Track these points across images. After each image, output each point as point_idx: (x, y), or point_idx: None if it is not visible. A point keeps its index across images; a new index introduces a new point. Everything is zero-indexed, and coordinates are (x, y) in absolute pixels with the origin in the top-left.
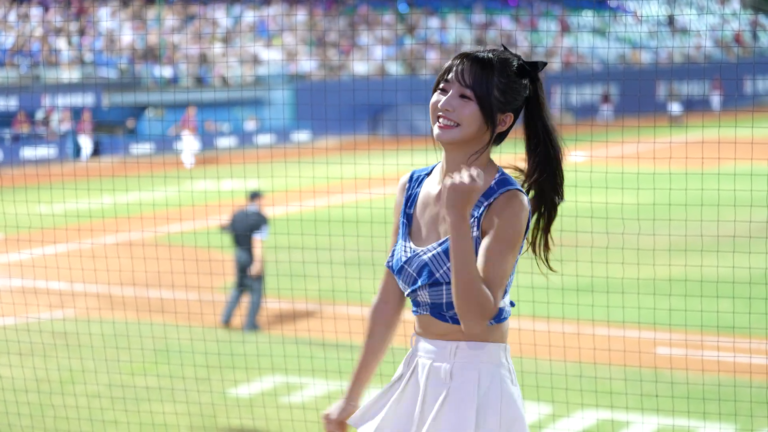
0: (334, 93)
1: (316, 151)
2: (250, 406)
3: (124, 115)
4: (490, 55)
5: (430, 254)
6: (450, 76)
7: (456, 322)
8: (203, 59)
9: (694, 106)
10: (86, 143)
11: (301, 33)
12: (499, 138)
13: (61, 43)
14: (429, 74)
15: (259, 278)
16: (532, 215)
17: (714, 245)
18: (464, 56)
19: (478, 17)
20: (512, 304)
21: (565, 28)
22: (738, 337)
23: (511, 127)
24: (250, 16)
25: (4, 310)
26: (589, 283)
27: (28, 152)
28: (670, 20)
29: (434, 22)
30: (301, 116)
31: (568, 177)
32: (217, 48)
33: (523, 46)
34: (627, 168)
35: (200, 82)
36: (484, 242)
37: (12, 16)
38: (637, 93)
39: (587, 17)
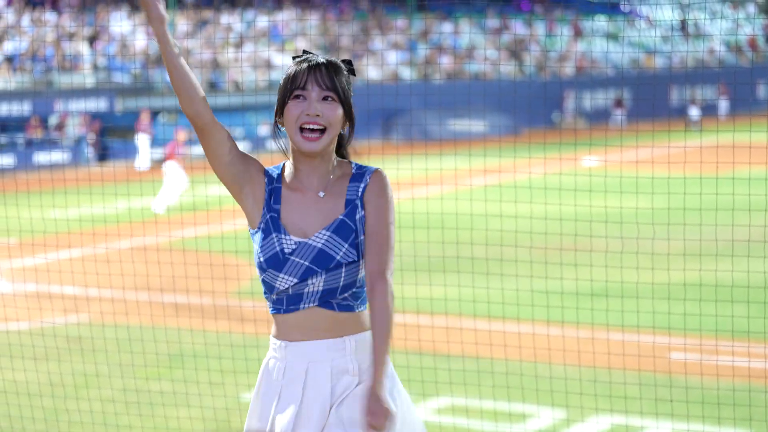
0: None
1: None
2: None
3: (137, 120)
4: (327, 60)
5: (322, 240)
6: (306, 84)
7: (342, 308)
8: (216, 64)
9: (707, 111)
10: (95, 148)
11: (314, 38)
12: (342, 135)
13: (74, 48)
14: (442, 79)
15: None
16: None
17: (729, 249)
18: (313, 65)
19: (492, 22)
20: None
21: (578, 33)
22: (753, 341)
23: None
24: (263, 21)
25: (18, 314)
26: (603, 287)
27: (41, 157)
28: (683, 25)
29: (447, 27)
30: None
31: (583, 181)
32: (230, 53)
33: (535, 51)
34: (641, 172)
35: (213, 87)
36: (375, 224)
37: (25, 21)
38: (651, 98)
39: (600, 22)
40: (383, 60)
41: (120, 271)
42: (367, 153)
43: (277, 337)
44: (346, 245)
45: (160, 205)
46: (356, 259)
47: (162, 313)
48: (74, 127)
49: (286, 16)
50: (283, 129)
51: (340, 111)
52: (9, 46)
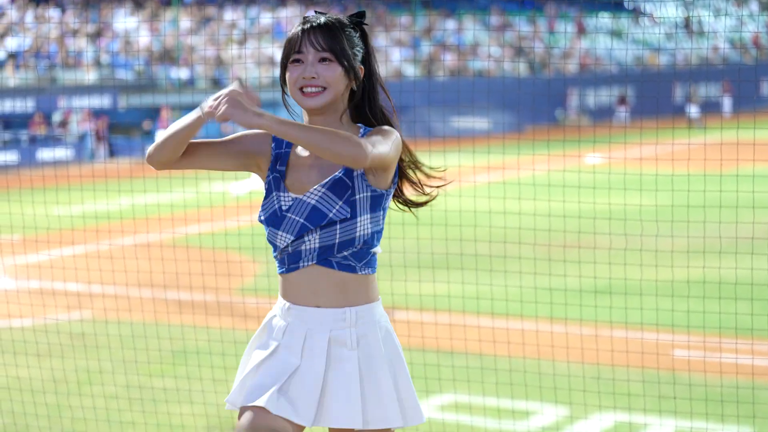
0: None
1: None
2: None
3: (140, 117)
4: (329, 19)
5: (316, 196)
6: (301, 47)
7: (342, 268)
8: (219, 61)
9: (710, 108)
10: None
11: None
12: (352, 95)
13: (78, 45)
14: (446, 77)
15: None
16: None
17: (733, 247)
18: (308, 28)
19: (495, 19)
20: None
21: (582, 30)
22: (757, 339)
23: (370, 80)
24: (266, 17)
25: (21, 311)
26: (607, 284)
27: (45, 154)
28: (687, 22)
29: (451, 24)
30: None
31: (587, 179)
32: (234, 50)
33: (539, 48)
34: (645, 170)
35: (217, 84)
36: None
37: (29, 18)
38: (654, 95)
39: (604, 19)
40: (387, 57)
41: (123, 268)
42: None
43: (283, 296)
44: (340, 202)
45: (239, 189)
46: (350, 216)
47: (165, 309)
48: (78, 124)
49: (289, 13)
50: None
51: (339, 70)
52: (12, 43)
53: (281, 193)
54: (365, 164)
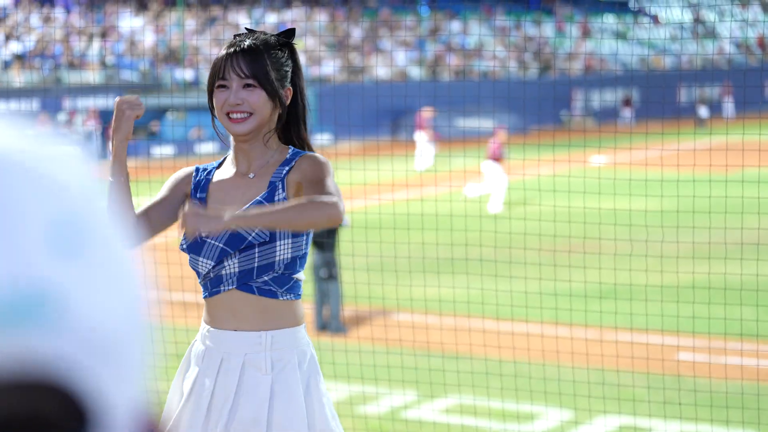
0: (356, 96)
1: (331, 152)
2: None
3: (145, 118)
4: (253, 42)
5: None
6: (225, 73)
7: (263, 293)
8: None
9: (716, 110)
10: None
11: (323, 36)
12: (288, 117)
13: (83, 46)
14: (451, 79)
15: (335, 279)
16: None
17: (738, 252)
18: (231, 53)
19: (500, 21)
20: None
21: (587, 33)
22: (762, 343)
23: (298, 99)
24: (271, 18)
25: None
26: (612, 288)
27: None
28: (694, 24)
29: (456, 25)
30: (323, 119)
31: (592, 183)
32: None
33: (545, 51)
34: (650, 173)
35: None
36: (310, 182)
37: (34, 19)
38: (659, 97)
39: (609, 21)
40: (392, 59)
41: None
42: (375, 152)
43: (204, 321)
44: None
45: (473, 191)
46: (268, 240)
47: (171, 312)
48: (83, 124)
49: (294, 15)
50: None
51: (263, 95)
52: (17, 44)
53: None
54: (341, 219)
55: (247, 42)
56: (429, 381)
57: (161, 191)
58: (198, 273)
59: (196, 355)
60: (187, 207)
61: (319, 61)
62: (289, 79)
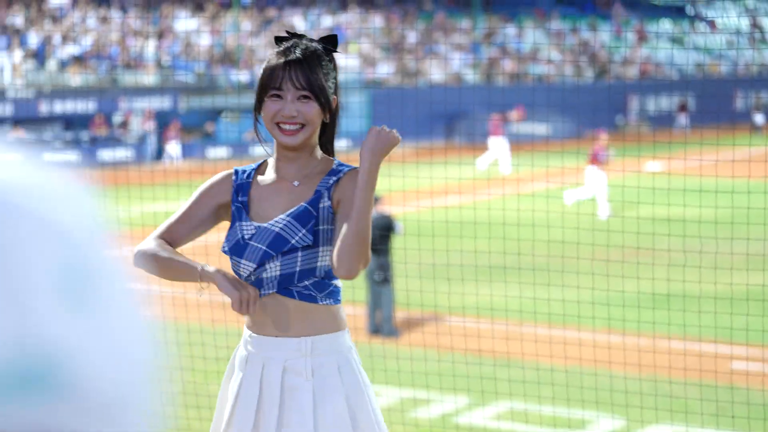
0: (410, 100)
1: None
2: None
3: (200, 119)
4: (304, 53)
5: (280, 225)
6: (282, 84)
7: (302, 297)
8: None
9: None
10: (174, 149)
11: (378, 39)
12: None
13: (139, 47)
14: (505, 82)
15: (389, 283)
16: None
17: None
18: (286, 62)
19: (555, 24)
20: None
21: (643, 37)
22: None
23: (336, 110)
24: (326, 20)
25: None
26: (665, 295)
27: (105, 154)
28: (750, 30)
29: (511, 30)
30: (377, 122)
31: (646, 192)
32: None
33: (600, 55)
34: (705, 179)
35: None
36: (348, 210)
37: (91, 20)
38: (715, 104)
39: (665, 26)
40: (446, 62)
41: None
42: (429, 155)
43: (246, 325)
44: (304, 230)
45: (572, 197)
46: (312, 244)
47: (222, 314)
48: (142, 124)
49: (349, 17)
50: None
51: (316, 108)
52: (74, 45)
53: (243, 223)
54: (363, 268)
55: (299, 51)
56: (480, 387)
57: (189, 204)
58: (239, 276)
59: (240, 360)
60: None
61: (373, 64)
62: (335, 88)
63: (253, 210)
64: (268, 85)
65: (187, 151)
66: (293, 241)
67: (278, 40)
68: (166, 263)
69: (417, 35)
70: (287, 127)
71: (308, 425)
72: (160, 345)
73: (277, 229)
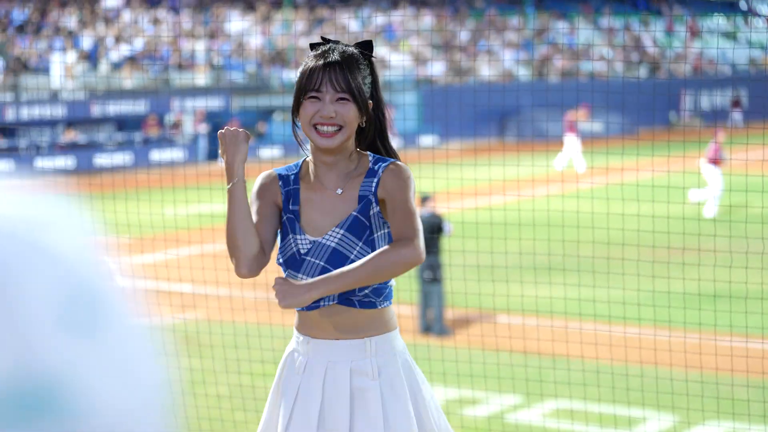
0: (462, 98)
1: (438, 154)
2: None
3: (252, 119)
4: (342, 55)
5: (336, 239)
6: (321, 86)
7: (364, 305)
8: None
9: None
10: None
11: (429, 36)
12: (369, 128)
13: (191, 47)
14: (556, 78)
15: (439, 282)
16: None
17: None
18: (325, 64)
19: (607, 20)
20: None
21: (695, 32)
22: None
23: (374, 109)
24: (378, 18)
25: (135, 311)
26: (711, 289)
27: (158, 155)
28: None
29: (563, 26)
30: (428, 120)
31: (692, 181)
32: None
33: (651, 50)
34: (751, 172)
35: None
36: (395, 204)
37: (143, 21)
38: None
39: (718, 21)
40: (498, 59)
41: (230, 269)
42: (473, 152)
43: (300, 331)
44: (360, 243)
45: (697, 196)
46: None
47: (267, 310)
48: (190, 126)
49: (400, 15)
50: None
51: (353, 109)
52: (127, 46)
53: (298, 236)
54: (420, 260)
55: (337, 54)
56: (527, 387)
57: (256, 207)
58: None
59: (297, 366)
60: (275, 281)
61: (424, 63)
62: (371, 92)
63: (303, 220)
64: (306, 87)
65: None
66: (352, 256)
67: (313, 46)
68: (228, 225)
69: (468, 33)
70: (325, 129)
71: (379, 425)
72: (165, 371)
73: (333, 245)
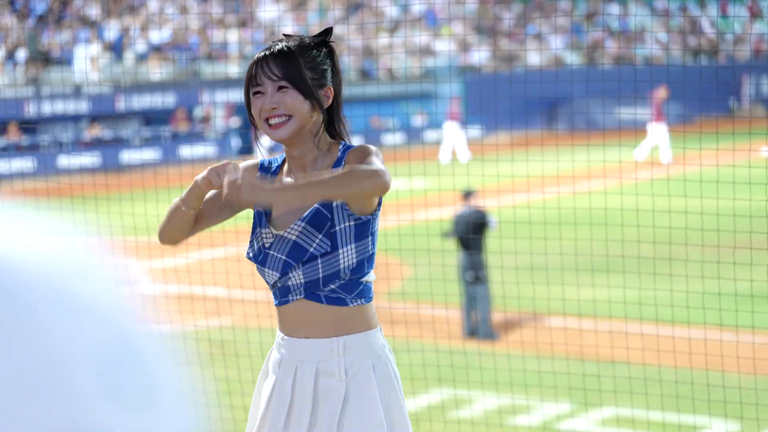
0: (508, 85)
1: (486, 147)
2: (416, 420)
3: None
4: (285, 45)
5: (296, 231)
6: (258, 78)
7: (331, 302)
8: (368, 51)
9: None
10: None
11: (472, 21)
12: (330, 115)
13: (221, 36)
14: (608, 64)
15: (484, 282)
16: None
17: None
18: (262, 58)
19: (661, 3)
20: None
21: (755, 14)
22: None
23: (336, 99)
24: (417, 4)
25: (159, 317)
26: None
27: (187, 151)
28: None
29: (614, 8)
30: (472, 110)
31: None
32: (383, 39)
33: (709, 33)
34: None
35: (365, 75)
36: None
37: (170, 9)
38: None
39: None
40: (546, 45)
41: None
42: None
43: (279, 328)
44: (320, 236)
45: (642, 154)
46: (330, 249)
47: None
48: (221, 119)
49: None
50: None
51: (296, 96)
52: (154, 35)
53: (263, 230)
54: (388, 188)
55: (279, 46)
56: (583, 391)
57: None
58: (267, 282)
59: (273, 363)
60: (231, 172)
61: (467, 49)
62: (329, 79)
63: (274, 213)
64: (249, 84)
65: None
66: (311, 249)
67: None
68: (166, 220)
69: (513, 17)
70: (273, 121)
71: (333, 425)
72: (205, 417)
73: (293, 237)
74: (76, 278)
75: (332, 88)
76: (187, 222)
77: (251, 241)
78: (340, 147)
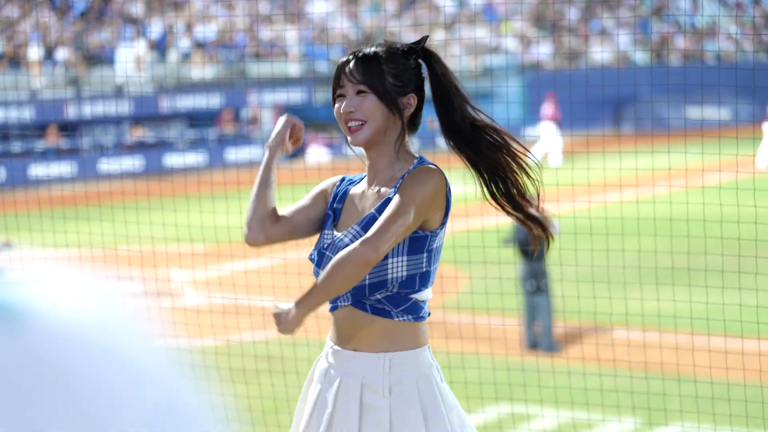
0: (571, 84)
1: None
2: None
3: None
4: (372, 49)
5: (350, 235)
6: (341, 81)
7: (376, 312)
8: None
9: None
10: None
11: (534, 17)
12: (412, 124)
13: (269, 34)
14: (678, 62)
15: (545, 292)
16: (483, 186)
17: None
18: (348, 60)
19: None
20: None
21: None
22: None
23: (420, 108)
24: (476, 0)
25: (202, 330)
26: None
27: (234, 154)
28: None
29: (684, 3)
30: (534, 109)
31: None
32: (440, 36)
33: None
34: None
35: None
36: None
37: (215, 6)
38: None
39: None
40: (611, 42)
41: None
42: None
43: (329, 336)
44: None
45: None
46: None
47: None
48: (269, 121)
49: None
50: None
51: (373, 100)
52: (199, 33)
53: (326, 231)
54: (378, 259)
55: (366, 50)
56: (648, 406)
57: (304, 198)
58: None
59: (320, 372)
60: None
61: (528, 45)
62: (413, 88)
63: (342, 217)
64: (334, 88)
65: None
66: None
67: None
68: (254, 195)
69: (577, 11)
70: (350, 124)
71: None
72: None
73: (347, 240)
74: (117, 338)
75: (416, 95)
76: (270, 187)
77: (316, 243)
78: (415, 161)
